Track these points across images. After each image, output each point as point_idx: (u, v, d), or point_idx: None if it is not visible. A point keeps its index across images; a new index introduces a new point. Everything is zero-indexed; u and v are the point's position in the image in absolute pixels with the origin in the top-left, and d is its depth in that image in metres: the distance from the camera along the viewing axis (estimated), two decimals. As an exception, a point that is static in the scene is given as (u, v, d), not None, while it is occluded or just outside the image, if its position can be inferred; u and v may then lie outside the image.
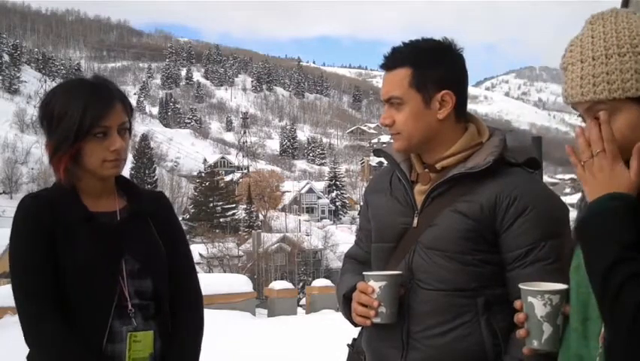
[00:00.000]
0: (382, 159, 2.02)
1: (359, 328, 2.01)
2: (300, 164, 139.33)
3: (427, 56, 1.83)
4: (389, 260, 1.88)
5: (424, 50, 1.84)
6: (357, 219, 2.30)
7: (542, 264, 1.70)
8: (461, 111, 1.87)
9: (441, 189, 1.82)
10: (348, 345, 2.06)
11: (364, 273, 1.83)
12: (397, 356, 1.82)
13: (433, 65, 1.82)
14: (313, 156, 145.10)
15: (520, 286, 1.46)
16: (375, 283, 1.76)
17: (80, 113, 1.86)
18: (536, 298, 1.41)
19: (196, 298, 2.12)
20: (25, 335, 1.84)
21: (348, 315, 1.91)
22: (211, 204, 65.90)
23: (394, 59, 1.84)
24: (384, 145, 2.13)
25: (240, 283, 14.72)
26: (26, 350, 1.91)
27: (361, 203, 2.21)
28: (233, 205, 67.54)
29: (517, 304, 1.47)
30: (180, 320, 2.03)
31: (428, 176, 1.87)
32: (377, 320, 1.77)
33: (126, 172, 2.11)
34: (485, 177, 1.78)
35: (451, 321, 1.77)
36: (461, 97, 1.85)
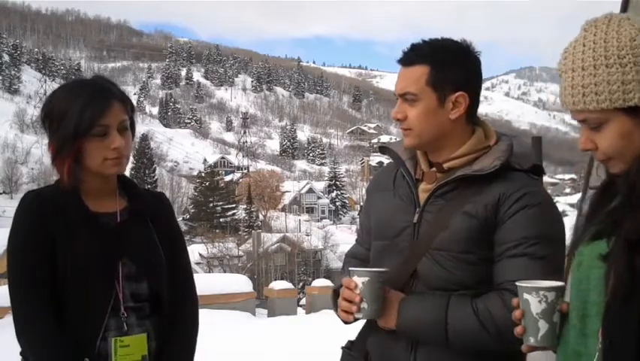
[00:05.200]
0: (383, 159, 2.03)
1: (357, 329, 2.00)
2: (300, 164, 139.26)
3: (446, 56, 1.84)
4: (390, 257, 1.88)
5: (443, 49, 1.85)
6: (357, 219, 2.29)
7: (530, 258, 1.72)
8: (472, 114, 1.89)
9: (445, 189, 1.84)
10: (342, 348, 2.04)
11: (350, 268, 1.84)
12: (406, 351, 1.83)
13: (451, 66, 1.83)
14: (313, 156, 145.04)
15: (517, 283, 1.47)
16: (358, 278, 1.77)
17: (78, 113, 1.87)
18: (531, 295, 1.42)
19: (192, 300, 2.13)
20: (17, 334, 1.85)
21: (337, 311, 1.92)
22: (211, 204, 65.86)
23: (413, 56, 1.85)
24: (387, 143, 2.13)
25: (240, 283, 14.65)
26: (25, 349, 1.90)
27: (362, 203, 2.22)
28: (233, 205, 67.49)
29: (514, 301, 1.48)
30: (175, 320, 2.04)
31: (434, 175, 1.88)
32: (359, 316, 1.79)
33: (126, 172, 2.11)
34: (491, 180, 1.80)
35: None
36: (474, 100, 1.87)
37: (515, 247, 1.74)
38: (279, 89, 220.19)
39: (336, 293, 1.96)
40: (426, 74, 1.82)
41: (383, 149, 2.08)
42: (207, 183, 68.52)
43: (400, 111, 1.86)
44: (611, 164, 1.38)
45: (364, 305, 1.77)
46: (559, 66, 1.41)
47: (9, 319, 1.93)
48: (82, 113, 1.87)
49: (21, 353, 1.92)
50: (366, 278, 1.77)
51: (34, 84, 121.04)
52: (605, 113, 1.33)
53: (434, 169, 1.89)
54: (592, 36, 1.34)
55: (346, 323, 1.91)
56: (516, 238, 1.75)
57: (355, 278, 1.78)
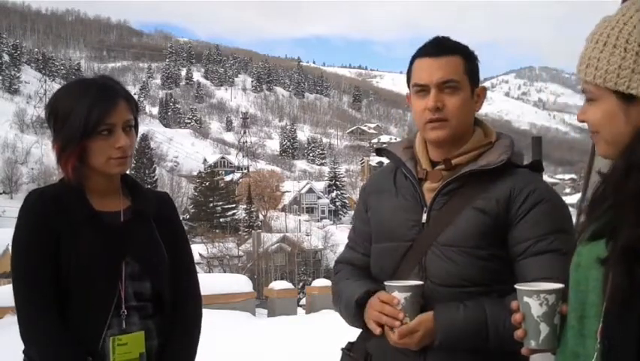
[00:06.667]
0: (383, 159, 2.01)
1: (357, 330, 1.98)
2: (300, 164, 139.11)
3: (469, 51, 1.90)
4: (399, 259, 1.87)
5: (463, 44, 1.91)
6: (355, 221, 2.25)
7: (557, 254, 1.72)
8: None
9: (452, 186, 1.84)
10: (342, 349, 2.03)
11: (386, 283, 1.80)
12: (417, 354, 1.79)
13: (474, 60, 1.90)
14: (313, 156, 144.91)
15: (516, 286, 1.46)
16: (399, 294, 1.75)
17: (85, 112, 1.87)
18: (532, 298, 1.42)
19: (195, 299, 2.13)
20: (21, 333, 1.86)
21: (360, 322, 1.88)
22: (211, 204, 65.81)
23: (448, 46, 1.88)
24: (385, 144, 2.12)
25: (240, 283, 14.66)
26: (27, 349, 1.90)
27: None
28: (234, 205, 67.43)
29: (513, 304, 1.47)
30: (177, 320, 2.04)
31: (439, 173, 1.88)
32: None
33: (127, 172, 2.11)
34: (496, 175, 1.82)
35: None
36: None
37: (536, 244, 1.75)
38: (279, 89, 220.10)
39: (358, 304, 1.88)
40: (462, 64, 1.86)
41: (380, 151, 2.06)
42: (207, 183, 68.45)
43: (439, 100, 1.84)
44: (596, 140, 1.41)
45: (406, 320, 1.75)
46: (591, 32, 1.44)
47: (9, 319, 1.93)
48: (89, 113, 1.87)
49: (24, 352, 1.93)
50: (409, 293, 1.74)
51: (34, 84, 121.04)
52: (599, 90, 1.36)
53: (440, 167, 1.89)
54: (620, 16, 1.37)
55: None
56: (536, 235, 1.76)
57: (396, 294, 1.75)
